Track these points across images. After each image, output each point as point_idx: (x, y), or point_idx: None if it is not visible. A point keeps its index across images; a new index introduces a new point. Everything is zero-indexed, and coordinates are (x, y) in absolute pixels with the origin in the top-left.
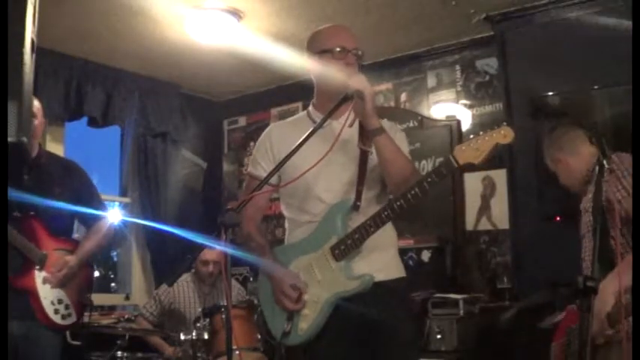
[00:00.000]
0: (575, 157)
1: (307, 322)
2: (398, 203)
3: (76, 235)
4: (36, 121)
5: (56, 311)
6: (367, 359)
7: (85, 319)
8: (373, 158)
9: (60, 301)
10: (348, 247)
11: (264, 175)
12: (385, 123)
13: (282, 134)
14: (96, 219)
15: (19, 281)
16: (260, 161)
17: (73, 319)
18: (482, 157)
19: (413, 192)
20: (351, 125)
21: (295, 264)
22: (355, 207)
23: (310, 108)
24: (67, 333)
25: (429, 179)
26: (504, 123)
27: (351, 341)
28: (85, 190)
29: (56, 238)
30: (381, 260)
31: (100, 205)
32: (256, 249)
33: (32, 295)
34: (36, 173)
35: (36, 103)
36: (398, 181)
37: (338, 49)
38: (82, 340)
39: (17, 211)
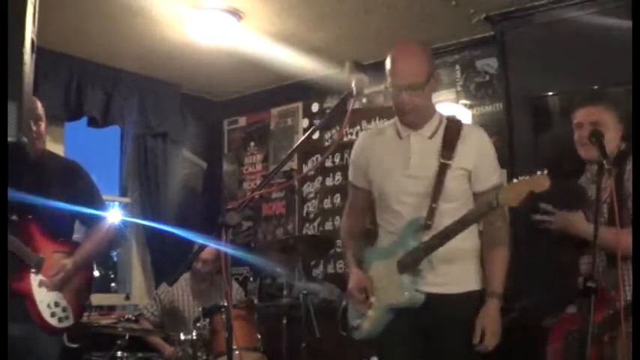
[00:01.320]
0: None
1: (368, 323)
2: (448, 233)
3: (76, 236)
4: (42, 124)
5: (53, 314)
6: None
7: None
8: (452, 173)
9: (57, 304)
10: (409, 262)
11: (355, 180)
12: (469, 128)
13: (369, 142)
14: (96, 220)
15: (15, 284)
16: (352, 168)
17: (70, 321)
18: (518, 201)
19: (461, 225)
20: (431, 137)
21: (374, 267)
22: (426, 226)
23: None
24: (65, 335)
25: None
26: (545, 171)
27: (413, 348)
28: (86, 191)
29: (55, 241)
30: (451, 273)
31: (101, 205)
32: (347, 250)
33: (28, 298)
34: (35, 174)
35: (39, 106)
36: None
37: (389, 87)
38: (80, 343)
39: (15, 213)
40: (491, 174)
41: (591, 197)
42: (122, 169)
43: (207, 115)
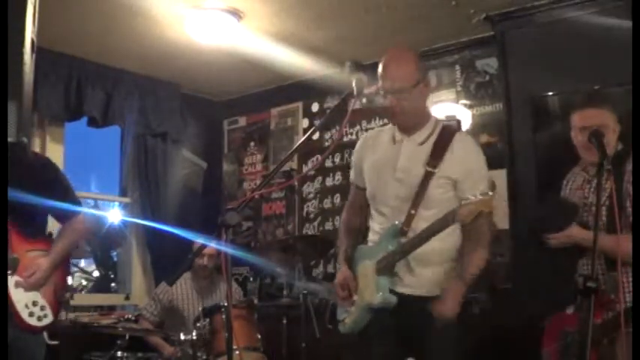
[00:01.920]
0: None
1: (350, 319)
2: (417, 240)
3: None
4: None
5: (31, 314)
6: None
7: (85, 320)
8: (436, 181)
9: (35, 303)
10: (386, 265)
11: (355, 180)
12: (460, 138)
13: (367, 143)
14: (70, 214)
15: None
16: (352, 167)
17: (49, 319)
18: (470, 218)
19: (428, 233)
20: (422, 143)
21: (361, 266)
22: (403, 232)
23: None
24: (45, 333)
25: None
26: (492, 193)
27: (389, 345)
28: (58, 185)
29: (29, 240)
30: (427, 276)
31: (74, 199)
32: (341, 245)
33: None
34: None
35: None
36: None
37: (379, 90)
38: (59, 339)
39: None
40: (477, 184)
41: (587, 202)
42: (122, 169)
43: (207, 115)
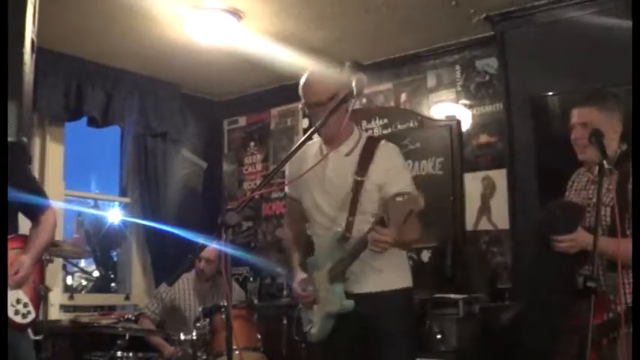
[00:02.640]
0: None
1: (315, 329)
2: (361, 241)
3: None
4: None
5: (16, 312)
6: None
7: (85, 320)
8: (366, 189)
9: (18, 301)
10: (337, 272)
11: (290, 190)
12: (383, 147)
13: (299, 155)
14: (40, 210)
15: None
16: (286, 179)
17: (32, 315)
18: (404, 220)
19: (365, 238)
20: (348, 154)
21: (314, 277)
22: (345, 238)
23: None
24: (29, 329)
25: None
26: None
27: (351, 345)
28: (24, 182)
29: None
30: (379, 273)
31: (42, 194)
32: (291, 254)
33: None
34: None
35: None
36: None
37: (302, 106)
38: (42, 335)
39: None
40: (397, 182)
41: (590, 203)
42: (122, 169)
43: (207, 115)
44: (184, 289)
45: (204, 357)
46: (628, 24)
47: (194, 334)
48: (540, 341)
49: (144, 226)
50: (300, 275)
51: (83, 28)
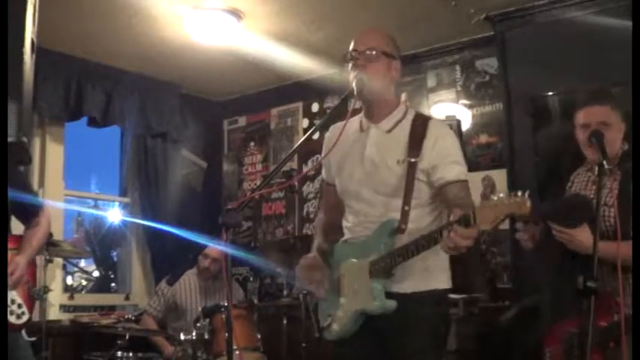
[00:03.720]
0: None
1: (339, 325)
2: (423, 243)
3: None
4: None
5: (11, 312)
6: None
7: (85, 320)
8: (421, 171)
9: (12, 302)
10: (383, 267)
11: (326, 176)
12: (436, 125)
13: (332, 136)
14: (32, 211)
15: None
16: (323, 162)
17: (27, 316)
18: (495, 224)
19: (436, 236)
20: (389, 130)
21: (346, 265)
22: (400, 230)
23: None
24: (23, 331)
25: (449, 230)
26: (527, 193)
27: (372, 351)
28: (17, 183)
29: None
30: (415, 271)
31: (35, 195)
32: (315, 240)
33: None
34: None
35: None
36: None
37: (350, 53)
38: (36, 336)
39: None
40: (453, 168)
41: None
42: (122, 169)
43: (207, 115)
44: (186, 287)
45: (204, 357)
46: (628, 24)
47: (194, 334)
48: (540, 341)
49: (144, 226)
50: (312, 256)
51: (83, 28)
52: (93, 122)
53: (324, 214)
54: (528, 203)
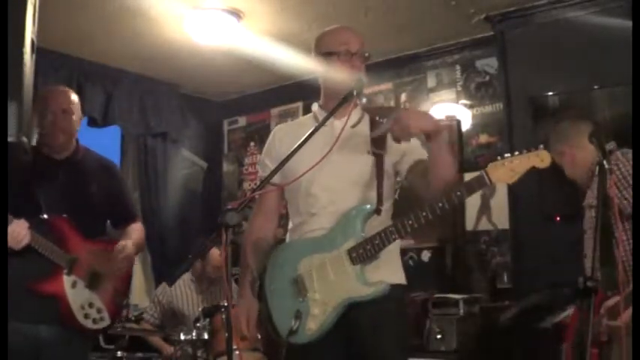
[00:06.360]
0: (581, 149)
1: (316, 323)
2: (424, 214)
3: None
4: (73, 116)
5: (86, 315)
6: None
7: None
8: (386, 162)
9: (91, 305)
10: (366, 251)
11: (267, 175)
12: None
13: (286, 134)
14: (126, 221)
15: (47, 287)
16: (267, 162)
17: (105, 322)
18: (515, 178)
19: (440, 204)
20: (354, 126)
21: (306, 262)
22: (377, 211)
23: (316, 108)
24: (100, 337)
25: (459, 192)
26: (542, 146)
27: (343, 342)
28: (120, 191)
29: (89, 240)
30: (390, 267)
31: (133, 207)
32: (244, 268)
33: (61, 300)
34: (70, 171)
35: (74, 98)
36: (446, 180)
37: (343, 52)
38: (115, 344)
39: (47, 211)
40: (420, 150)
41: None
42: (122, 169)
43: (207, 115)
44: (183, 290)
45: (204, 357)
46: (628, 24)
47: (194, 334)
48: (540, 341)
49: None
50: (248, 301)
51: (83, 28)
52: (93, 122)
53: (256, 226)
54: (549, 156)
